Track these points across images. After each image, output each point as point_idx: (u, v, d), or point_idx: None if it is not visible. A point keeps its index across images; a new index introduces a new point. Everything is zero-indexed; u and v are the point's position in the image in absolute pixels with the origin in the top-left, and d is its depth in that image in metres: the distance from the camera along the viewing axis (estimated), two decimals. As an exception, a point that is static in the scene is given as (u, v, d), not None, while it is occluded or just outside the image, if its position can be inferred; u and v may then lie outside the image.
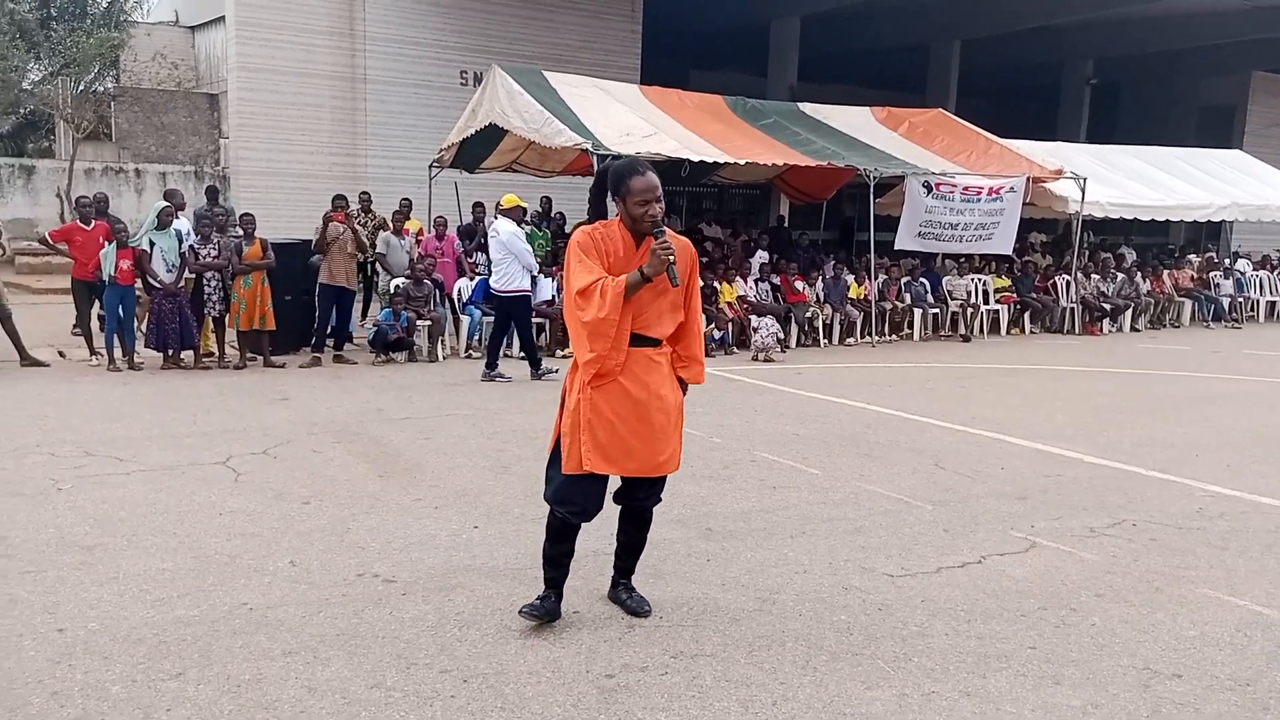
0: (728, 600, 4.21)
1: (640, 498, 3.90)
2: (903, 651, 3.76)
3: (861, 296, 14.12)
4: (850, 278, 14.35)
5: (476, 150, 14.03)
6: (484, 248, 12.58)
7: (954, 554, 4.88)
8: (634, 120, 12.69)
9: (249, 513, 5.27)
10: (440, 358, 11.11)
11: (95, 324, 10.36)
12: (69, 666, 3.46)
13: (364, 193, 13.15)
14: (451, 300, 11.88)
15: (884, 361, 12.13)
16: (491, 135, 13.28)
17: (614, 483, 3.87)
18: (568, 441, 3.72)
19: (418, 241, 12.48)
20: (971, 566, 4.72)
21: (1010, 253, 15.36)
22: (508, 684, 3.41)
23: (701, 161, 12.59)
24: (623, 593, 4.05)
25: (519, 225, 9.99)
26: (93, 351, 10.10)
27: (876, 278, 14.13)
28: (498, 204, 10.41)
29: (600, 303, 3.60)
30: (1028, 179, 14.32)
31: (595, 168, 11.20)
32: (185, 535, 4.88)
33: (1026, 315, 15.76)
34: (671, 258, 3.64)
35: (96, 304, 10.27)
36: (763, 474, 6.35)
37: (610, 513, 3.93)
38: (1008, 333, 15.36)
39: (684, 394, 3.94)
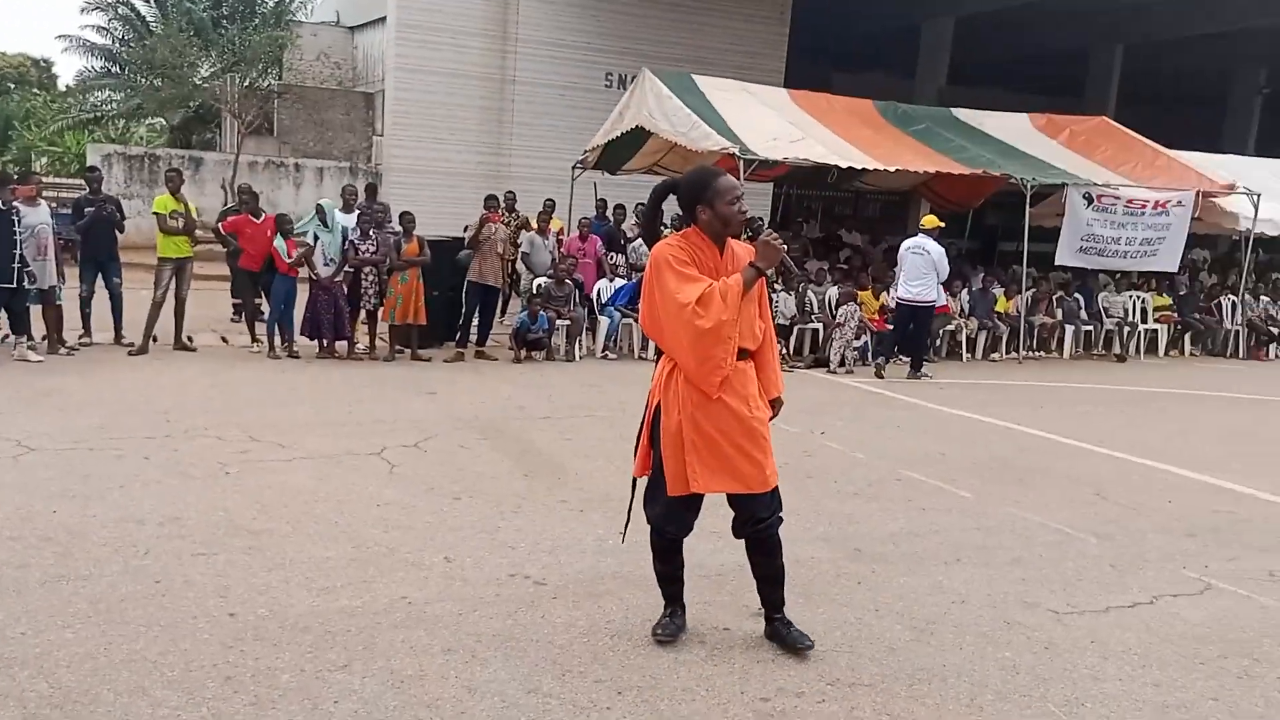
0: (882, 628, 4.08)
1: (764, 519, 3.69)
2: (1075, 696, 3.57)
3: (1009, 310, 13.62)
4: (999, 290, 13.86)
5: (621, 152, 14.13)
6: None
7: (1123, 592, 4.62)
8: (781, 125, 12.56)
9: (404, 505, 5.41)
10: (577, 358, 11.22)
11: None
12: (240, 652, 3.59)
13: (509, 193, 13.37)
14: (591, 301, 11.99)
15: (1032, 380, 11.66)
16: (636, 137, 13.35)
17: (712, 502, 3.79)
18: (672, 464, 3.60)
19: (559, 242, 12.64)
20: (1143, 607, 4.46)
21: (1175, 270, 14.56)
22: (662, 699, 3.39)
23: (849, 168, 12.35)
24: (781, 628, 3.84)
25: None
26: (254, 338, 10.57)
27: (1026, 291, 13.60)
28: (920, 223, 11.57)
29: (722, 305, 3.45)
30: (1197, 193, 13.55)
31: (741, 172, 11.13)
32: (345, 525, 5.04)
33: (1187, 337, 14.96)
34: (784, 247, 3.59)
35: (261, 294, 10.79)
36: (909, 494, 6.17)
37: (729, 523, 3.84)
38: (1166, 354, 14.61)
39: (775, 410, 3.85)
